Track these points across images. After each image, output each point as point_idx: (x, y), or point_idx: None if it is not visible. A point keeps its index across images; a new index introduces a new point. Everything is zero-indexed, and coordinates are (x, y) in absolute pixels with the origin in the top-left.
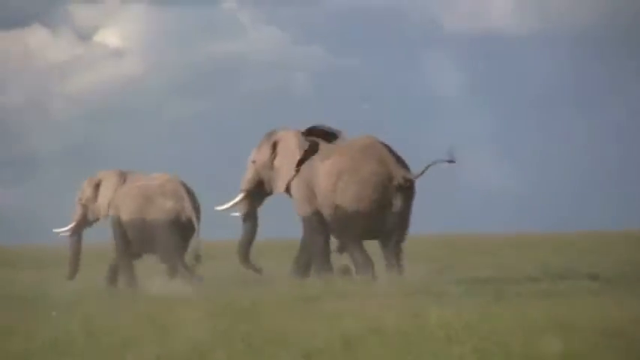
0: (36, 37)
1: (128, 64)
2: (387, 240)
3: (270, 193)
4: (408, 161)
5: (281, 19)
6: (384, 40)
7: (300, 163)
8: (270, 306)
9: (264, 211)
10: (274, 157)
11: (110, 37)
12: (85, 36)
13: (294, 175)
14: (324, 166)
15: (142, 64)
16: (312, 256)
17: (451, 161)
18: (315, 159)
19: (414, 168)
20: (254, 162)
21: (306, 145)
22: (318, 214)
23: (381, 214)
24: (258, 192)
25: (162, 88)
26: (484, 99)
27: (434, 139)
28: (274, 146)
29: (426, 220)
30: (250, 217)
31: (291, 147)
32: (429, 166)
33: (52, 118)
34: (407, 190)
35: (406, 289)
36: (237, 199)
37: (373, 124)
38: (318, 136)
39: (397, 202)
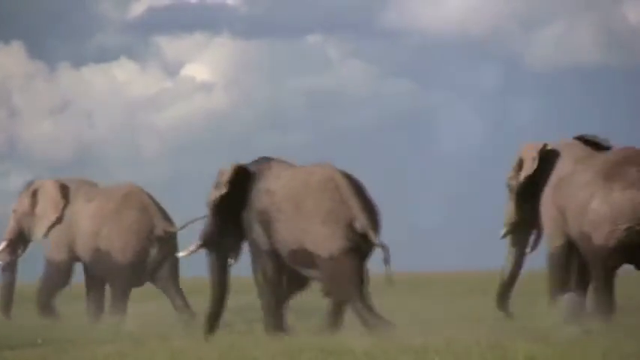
0: (123, 70)
1: (216, 97)
2: (163, 285)
3: (30, 240)
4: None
5: (368, 52)
6: (472, 74)
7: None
8: (356, 340)
9: None
10: (34, 205)
11: (198, 70)
12: (172, 70)
13: (55, 222)
14: (88, 209)
15: (230, 98)
16: (39, 295)
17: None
18: (79, 201)
19: None
20: (14, 212)
21: (65, 193)
22: (69, 261)
23: (143, 262)
24: (20, 240)
25: (250, 122)
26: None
27: None
28: (34, 195)
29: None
30: (10, 266)
31: (51, 194)
32: (190, 222)
33: (139, 152)
34: (168, 241)
35: (491, 323)
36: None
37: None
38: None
39: (155, 252)
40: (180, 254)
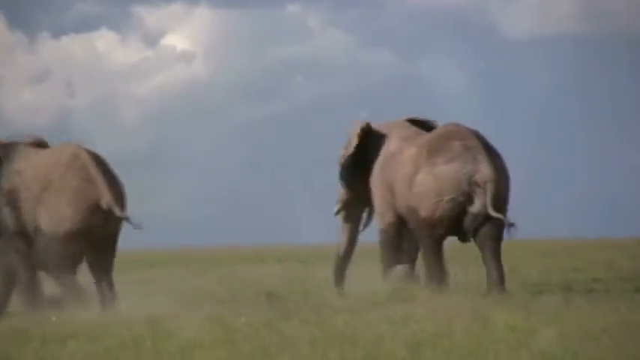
0: (104, 40)
1: (196, 67)
2: None
3: None
4: None
5: (347, 22)
6: (451, 44)
7: None
8: (336, 309)
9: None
10: None
11: (178, 40)
12: (152, 39)
13: None
14: None
15: (210, 67)
16: None
17: None
18: None
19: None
20: None
21: None
22: None
23: None
24: None
25: (230, 91)
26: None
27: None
28: None
29: None
30: None
31: None
32: None
33: (120, 121)
34: None
35: (475, 292)
36: None
37: None
38: None
39: None
40: None
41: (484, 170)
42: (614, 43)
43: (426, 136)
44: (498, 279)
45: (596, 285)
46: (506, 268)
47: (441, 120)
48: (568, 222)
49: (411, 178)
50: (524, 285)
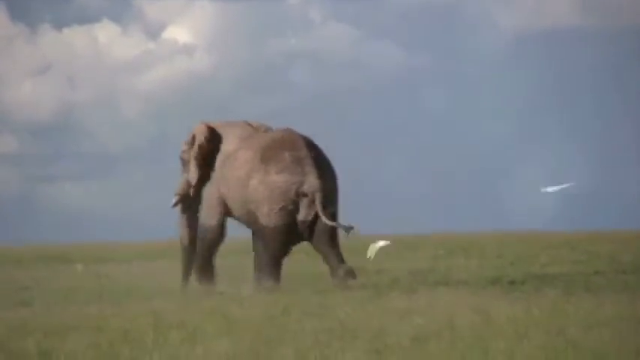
0: (106, 33)
1: (197, 60)
2: None
3: None
4: (471, 154)
5: (348, 14)
6: (450, 37)
7: None
8: (338, 302)
9: None
10: None
11: (179, 33)
12: (154, 32)
13: None
14: None
15: (211, 60)
16: None
17: None
18: None
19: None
20: None
21: None
22: None
23: None
24: None
25: (231, 83)
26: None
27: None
28: None
29: (491, 216)
30: None
31: None
32: None
33: (121, 114)
34: None
35: (476, 285)
36: None
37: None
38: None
39: None
40: None
41: (312, 181)
42: (615, 37)
43: (261, 140)
44: (345, 273)
45: (598, 278)
46: (507, 261)
47: (449, 114)
48: (570, 215)
49: (244, 182)
50: (527, 278)
